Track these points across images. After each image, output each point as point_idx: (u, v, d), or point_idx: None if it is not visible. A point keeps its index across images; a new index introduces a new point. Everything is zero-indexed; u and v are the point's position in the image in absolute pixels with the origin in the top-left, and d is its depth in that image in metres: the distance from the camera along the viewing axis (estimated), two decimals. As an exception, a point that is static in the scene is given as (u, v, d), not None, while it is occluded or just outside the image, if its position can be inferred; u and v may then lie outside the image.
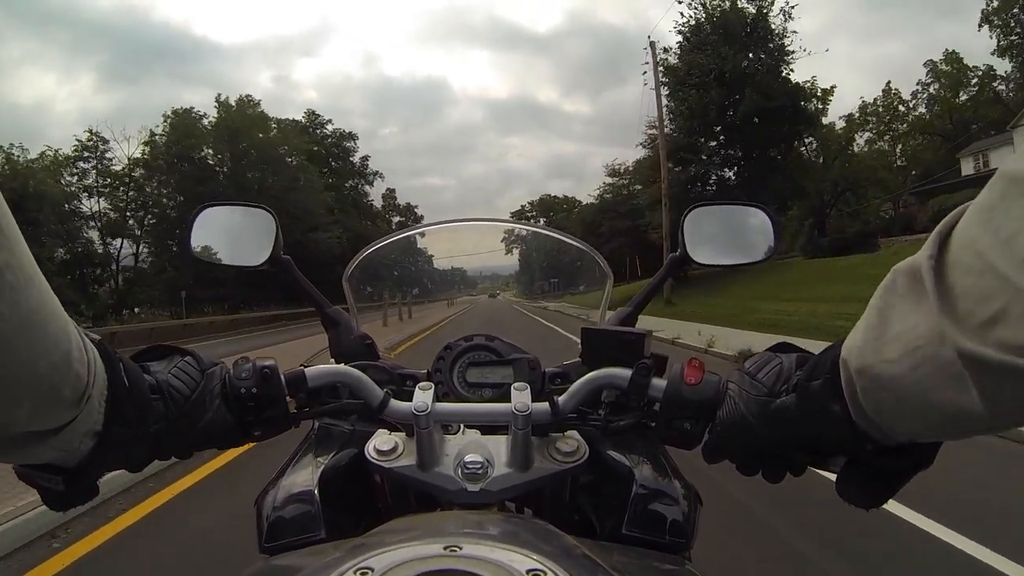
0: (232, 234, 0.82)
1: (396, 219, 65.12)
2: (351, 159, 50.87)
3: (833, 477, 0.48)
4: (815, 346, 0.50)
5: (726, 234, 0.80)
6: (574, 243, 0.96)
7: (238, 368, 0.54)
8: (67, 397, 0.37)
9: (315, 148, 45.22)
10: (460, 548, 0.37)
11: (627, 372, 0.57)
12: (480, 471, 0.59)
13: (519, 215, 65.91)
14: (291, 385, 0.57)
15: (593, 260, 0.92)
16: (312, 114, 49.74)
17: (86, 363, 0.38)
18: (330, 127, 50.05)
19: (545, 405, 0.59)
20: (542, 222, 59.99)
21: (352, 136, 51.55)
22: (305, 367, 0.59)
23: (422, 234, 1.07)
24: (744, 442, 0.51)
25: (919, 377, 0.34)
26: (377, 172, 53.90)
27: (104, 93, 61.54)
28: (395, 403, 0.60)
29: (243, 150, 35.84)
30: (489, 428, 0.65)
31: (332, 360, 0.77)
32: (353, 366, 0.62)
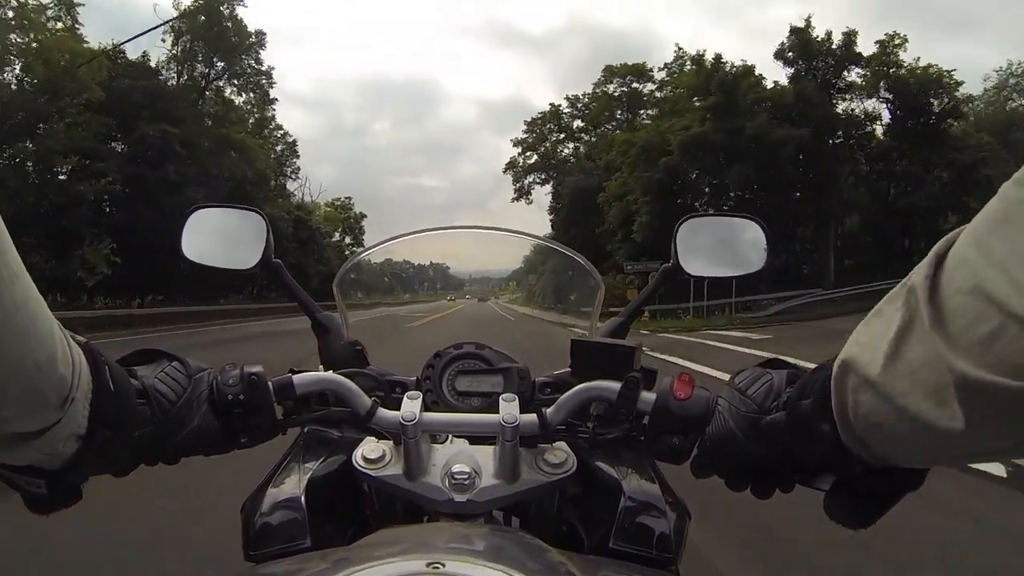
0: (223, 236, 0.82)
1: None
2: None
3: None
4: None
5: (719, 246, 0.80)
6: (565, 252, 0.92)
7: (225, 374, 0.54)
8: (51, 399, 0.37)
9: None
10: (443, 565, 0.37)
11: (616, 385, 0.57)
12: (467, 481, 0.59)
13: (542, 122, 37.51)
14: (279, 392, 0.56)
15: (584, 269, 0.90)
16: None
17: (71, 365, 0.38)
18: None
19: (533, 417, 0.58)
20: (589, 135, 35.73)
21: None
22: (293, 373, 0.59)
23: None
24: (733, 458, 0.51)
25: (911, 399, 0.33)
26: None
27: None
28: (383, 412, 0.60)
29: None
30: (477, 438, 0.64)
31: (321, 366, 0.77)
32: (341, 373, 0.62)
